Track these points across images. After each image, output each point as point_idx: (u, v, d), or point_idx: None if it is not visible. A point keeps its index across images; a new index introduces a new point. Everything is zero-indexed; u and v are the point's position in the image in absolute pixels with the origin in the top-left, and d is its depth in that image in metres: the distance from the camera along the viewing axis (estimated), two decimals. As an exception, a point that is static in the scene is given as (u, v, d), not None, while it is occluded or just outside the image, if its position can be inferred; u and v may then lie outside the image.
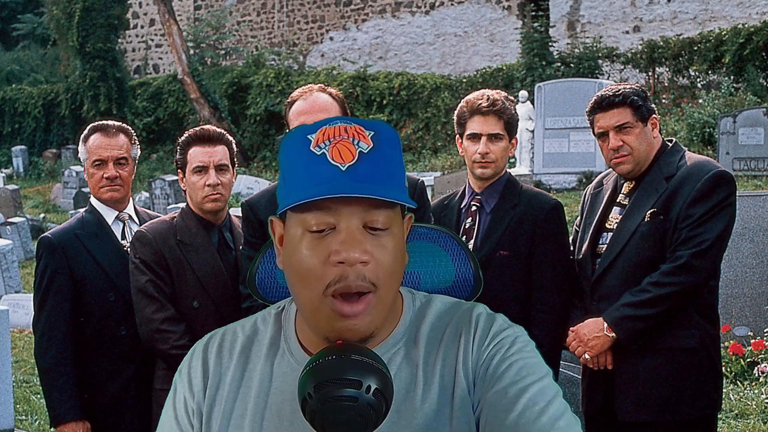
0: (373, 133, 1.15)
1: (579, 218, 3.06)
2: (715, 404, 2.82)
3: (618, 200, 2.90)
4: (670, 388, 2.74)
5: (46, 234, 3.05)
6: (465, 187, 3.05)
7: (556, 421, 1.08)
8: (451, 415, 1.16)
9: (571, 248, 3.00)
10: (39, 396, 5.72)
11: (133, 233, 2.97)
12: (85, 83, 20.44)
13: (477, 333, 1.20)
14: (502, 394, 1.12)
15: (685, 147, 4.01)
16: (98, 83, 20.32)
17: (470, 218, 2.96)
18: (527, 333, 1.22)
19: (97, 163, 3.01)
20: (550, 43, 16.13)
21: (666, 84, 15.51)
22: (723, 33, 14.85)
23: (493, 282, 2.74)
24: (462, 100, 3.00)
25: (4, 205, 13.94)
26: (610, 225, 2.88)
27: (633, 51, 16.01)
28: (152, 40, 24.68)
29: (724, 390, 3.41)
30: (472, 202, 2.97)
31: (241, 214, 2.92)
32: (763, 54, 14.11)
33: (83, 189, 14.56)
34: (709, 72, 14.93)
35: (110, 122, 3.12)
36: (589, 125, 2.94)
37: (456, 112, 3.00)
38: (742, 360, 5.40)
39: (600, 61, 15.85)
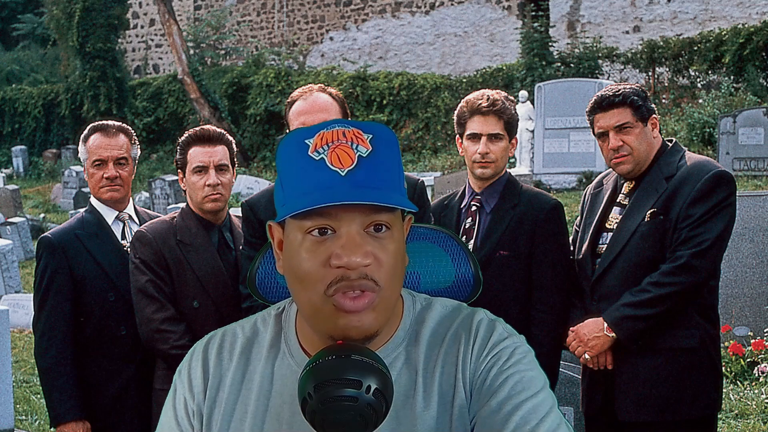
0: (371, 135, 1.14)
1: (579, 218, 3.06)
2: (715, 404, 2.82)
3: (618, 200, 2.90)
4: (670, 388, 2.74)
5: (46, 234, 3.05)
6: (465, 187, 3.05)
7: None
8: (450, 425, 1.16)
9: (571, 248, 2.99)
10: (39, 396, 5.72)
11: (133, 233, 2.97)
12: (85, 83, 20.43)
13: (476, 342, 1.19)
14: (495, 410, 1.13)
15: (685, 147, 4.01)
16: (98, 83, 20.31)
17: (470, 218, 2.96)
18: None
19: (97, 163, 3.01)
20: (550, 43, 16.11)
21: (666, 84, 15.50)
22: (723, 33, 14.84)
23: (493, 282, 2.74)
24: (462, 100, 3.00)
25: (4, 205, 13.93)
26: (610, 225, 2.88)
27: (633, 51, 16.00)
28: (152, 40, 24.67)
29: (724, 390, 3.40)
30: (472, 202, 2.97)
31: (241, 214, 2.92)
32: (763, 54, 14.10)
33: (83, 189, 14.55)
34: (709, 72, 14.92)
35: (110, 122, 3.12)
36: (589, 125, 2.94)
37: (456, 112, 3.00)
38: (742, 360, 5.39)
39: (600, 61, 15.84)
